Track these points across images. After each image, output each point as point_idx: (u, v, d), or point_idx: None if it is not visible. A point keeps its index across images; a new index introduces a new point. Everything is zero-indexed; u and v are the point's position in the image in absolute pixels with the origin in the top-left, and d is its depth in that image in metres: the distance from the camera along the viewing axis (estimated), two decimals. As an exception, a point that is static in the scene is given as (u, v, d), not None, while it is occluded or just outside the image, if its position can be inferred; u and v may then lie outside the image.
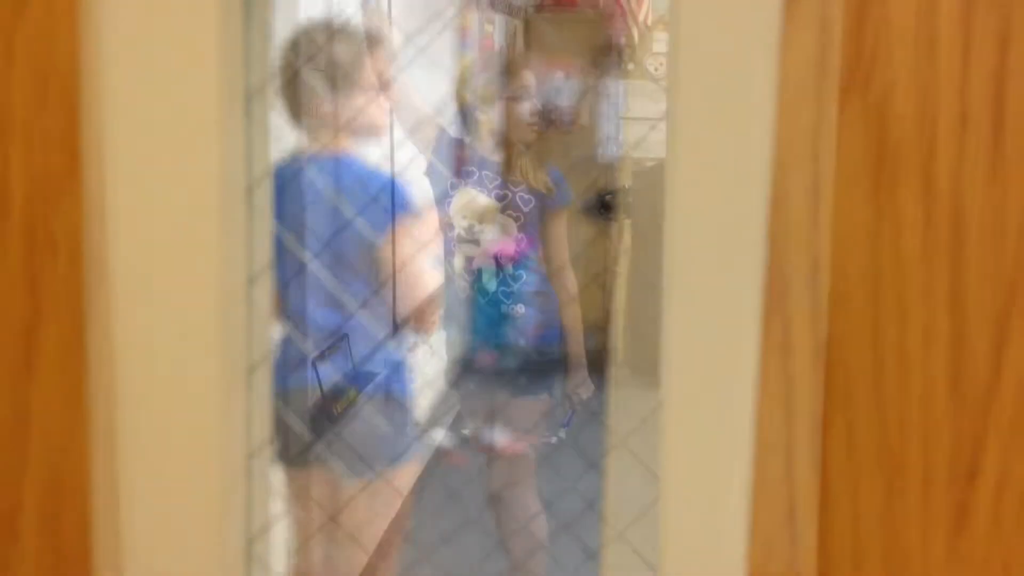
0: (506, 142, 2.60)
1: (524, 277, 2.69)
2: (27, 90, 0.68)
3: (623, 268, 5.64)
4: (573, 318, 2.82)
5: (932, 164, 0.63)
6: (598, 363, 5.56)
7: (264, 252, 0.74)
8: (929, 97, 0.62)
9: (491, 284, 2.73)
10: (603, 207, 5.69)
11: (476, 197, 2.63)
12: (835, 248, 0.63)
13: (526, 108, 2.60)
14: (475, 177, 2.62)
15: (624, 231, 5.62)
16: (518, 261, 2.65)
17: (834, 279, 0.63)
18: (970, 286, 0.63)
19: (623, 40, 6.00)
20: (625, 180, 5.54)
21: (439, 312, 2.66)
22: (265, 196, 0.74)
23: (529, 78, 2.67)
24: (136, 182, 0.68)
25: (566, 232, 2.74)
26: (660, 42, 6.32)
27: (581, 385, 2.75)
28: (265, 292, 0.76)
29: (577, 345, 2.76)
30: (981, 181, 0.62)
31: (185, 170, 0.67)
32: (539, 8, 6.18)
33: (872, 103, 0.62)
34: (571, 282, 2.77)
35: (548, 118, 6.29)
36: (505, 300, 2.68)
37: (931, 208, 0.63)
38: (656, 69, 6.42)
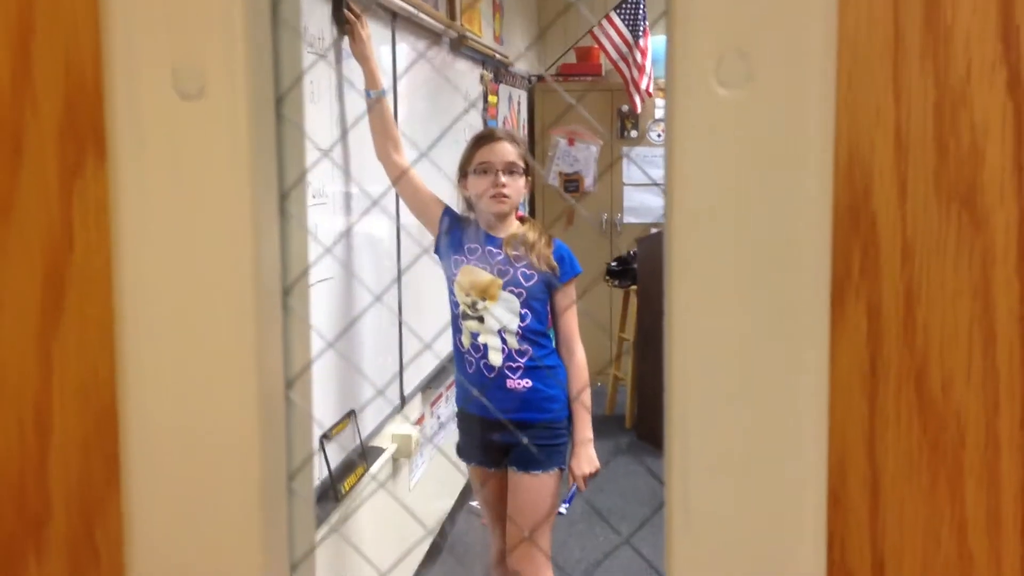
0: (499, 216, 2.59)
1: (531, 352, 2.66)
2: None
3: (629, 334, 5.64)
4: (584, 388, 2.78)
5: (996, 459, 0.63)
6: (609, 430, 5.55)
7: (304, 351, 0.73)
8: (989, 390, 0.63)
9: (497, 359, 2.71)
10: (609, 274, 5.72)
11: (478, 273, 2.65)
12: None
13: (488, 180, 2.57)
14: (478, 254, 2.61)
15: (632, 297, 5.64)
16: (522, 336, 2.66)
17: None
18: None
19: (626, 108, 6.08)
20: (631, 247, 5.57)
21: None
22: (304, 297, 0.73)
23: (503, 150, 2.60)
24: (165, 292, 0.69)
25: (574, 305, 2.71)
26: (662, 108, 6.39)
27: (585, 462, 2.70)
28: (306, 383, 0.75)
29: (582, 421, 2.70)
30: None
31: (220, 278, 0.66)
32: (542, 78, 6.26)
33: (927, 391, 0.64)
34: (580, 355, 2.71)
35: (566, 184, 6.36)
36: (511, 375, 2.69)
37: (994, 500, 0.64)
38: (659, 136, 6.49)
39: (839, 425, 0.65)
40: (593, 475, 2.67)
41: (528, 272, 2.61)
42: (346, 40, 2.55)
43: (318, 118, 2.38)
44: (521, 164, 2.62)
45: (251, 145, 0.66)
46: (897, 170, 0.64)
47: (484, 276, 2.63)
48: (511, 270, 2.61)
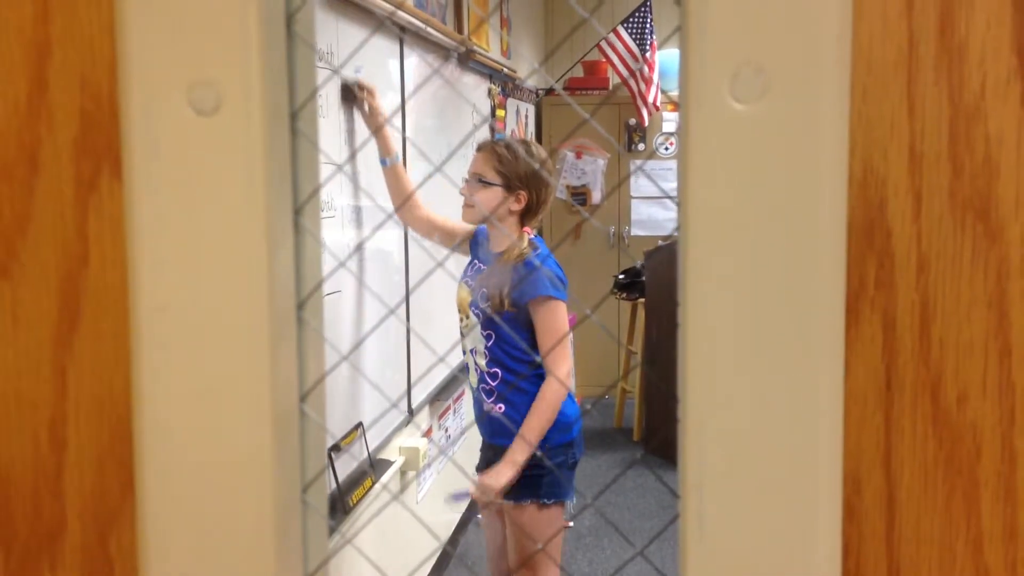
0: (472, 223, 2.54)
1: (501, 375, 2.50)
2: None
3: (637, 347, 5.64)
4: (536, 416, 2.43)
5: (1012, 472, 0.63)
6: (617, 443, 5.53)
7: (318, 364, 0.74)
8: (1004, 403, 0.63)
9: (474, 381, 2.60)
10: (617, 287, 5.72)
11: (464, 290, 2.60)
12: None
13: (466, 192, 2.51)
14: (475, 268, 2.62)
15: (639, 310, 5.64)
16: (491, 358, 2.52)
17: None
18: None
19: (633, 122, 6.09)
20: (638, 259, 5.57)
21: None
22: (318, 311, 0.73)
23: (474, 160, 2.55)
24: (179, 310, 0.69)
25: (549, 324, 2.42)
26: (670, 122, 6.42)
27: (493, 475, 2.41)
28: (320, 400, 0.75)
29: (520, 441, 2.42)
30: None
31: (234, 292, 0.67)
32: (550, 92, 6.27)
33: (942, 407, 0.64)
34: (549, 385, 2.43)
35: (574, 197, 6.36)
36: (486, 398, 2.56)
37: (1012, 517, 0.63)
38: (667, 149, 6.50)
39: (854, 437, 0.65)
40: (490, 492, 2.42)
41: (486, 292, 2.52)
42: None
43: (328, 131, 2.39)
44: (491, 174, 2.51)
45: (266, 160, 0.67)
46: (912, 183, 0.64)
47: (465, 293, 2.60)
48: (479, 289, 2.54)
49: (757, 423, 0.61)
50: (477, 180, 2.54)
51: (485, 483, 2.42)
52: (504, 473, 2.41)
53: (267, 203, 0.67)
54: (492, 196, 2.52)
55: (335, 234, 2.45)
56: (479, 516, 4.17)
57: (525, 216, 2.55)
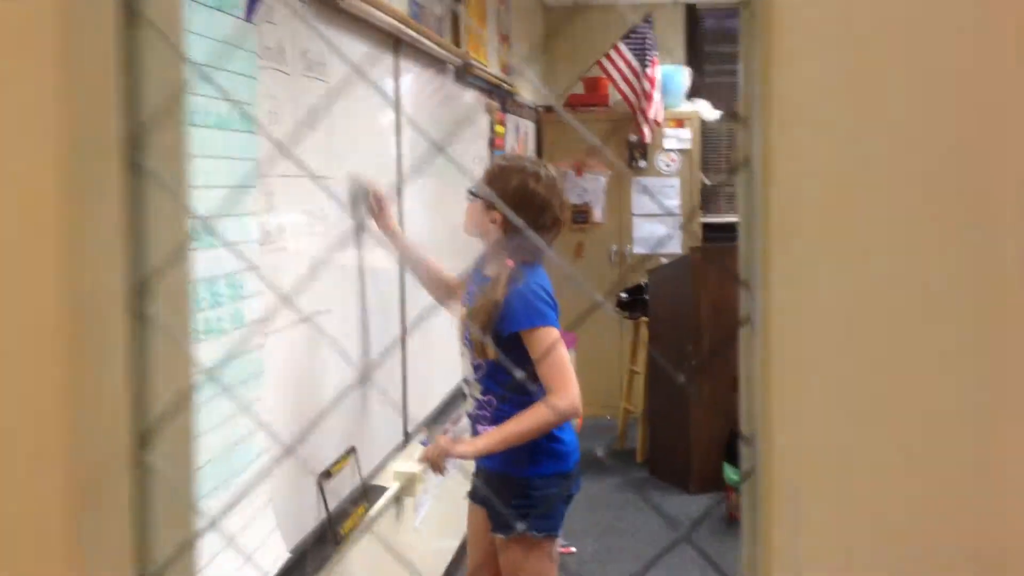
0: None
1: (494, 403, 2.39)
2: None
3: (640, 367, 5.53)
4: (516, 424, 2.29)
5: None
6: (620, 465, 5.40)
7: (179, 382, 0.56)
8: None
9: (469, 406, 2.51)
10: (620, 305, 5.62)
11: (463, 311, 2.51)
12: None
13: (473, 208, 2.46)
14: (470, 293, 2.52)
15: (643, 329, 5.53)
16: (485, 387, 2.41)
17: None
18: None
19: (634, 138, 6.00)
20: (641, 277, 5.47)
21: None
22: (181, 297, 0.56)
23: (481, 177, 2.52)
24: None
25: (540, 354, 2.30)
26: (671, 139, 6.34)
27: (448, 441, 2.35)
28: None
29: (495, 433, 2.31)
30: None
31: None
32: (550, 109, 6.20)
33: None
34: (539, 408, 2.29)
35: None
36: (480, 424, 2.45)
37: None
38: (668, 166, 6.41)
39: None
40: (439, 452, 2.33)
41: (468, 336, 2.45)
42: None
43: (317, 146, 2.30)
44: (474, 191, 2.48)
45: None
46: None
47: (463, 315, 2.51)
48: (464, 328, 2.47)
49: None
50: (468, 192, 2.50)
51: (440, 441, 2.36)
52: (460, 446, 2.37)
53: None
54: (474, 209, 2.47)
55: (310, 246, 2.35)
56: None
57: (519, 241, 2.41)
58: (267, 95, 2.01)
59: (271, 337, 2.02)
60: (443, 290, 2.69)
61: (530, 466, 2.38)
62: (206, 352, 1.74)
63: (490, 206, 2.41)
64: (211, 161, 1.75)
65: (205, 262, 1.75)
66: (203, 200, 1.71)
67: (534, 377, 2.35)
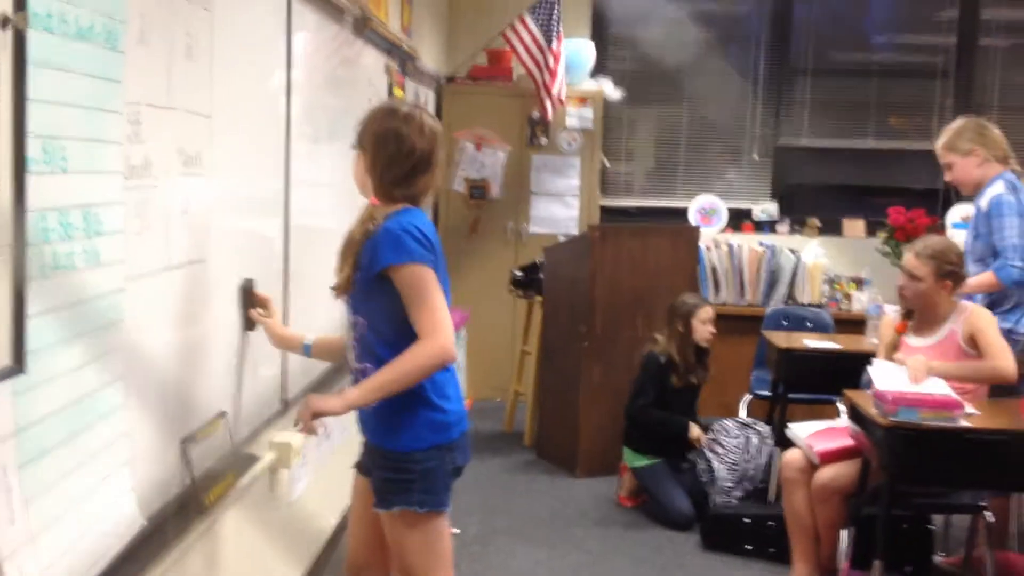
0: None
1: (369, 368, 2.22)
2: None
3: (532, 348, 5.41)
4: (393, 368, 2.14)
5: None
6: (508, 447, 5.28)
7: None
8: None
9: (350, 355, 2.35)
10: (514, 283, 5.49)
11: None
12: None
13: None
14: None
15: (536, 309, 5.41)
16: (361, 349, 2.26)
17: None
18: None
19: (536, 115, 5.87)
20: (537, 256, 5.34)
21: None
22: None
23: None
24: None
25: (409, 293, 2.13)
26: (572, 117, 6.23)
27: (317, 399, 2.20)
28: None
29: (365, 384, 2.17)
30: None
31: None
32: (451, 79, 6.02)
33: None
34: (414, 348, 2.12)
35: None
36: (357, 376, 2.28)
37: None
38: (569, 145, 6.31)
39: None
40: (307, 409, 2.17)
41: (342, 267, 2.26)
42: None
43: (197, 80, 2.10)
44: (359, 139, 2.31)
45: None
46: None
47: None
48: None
49: None
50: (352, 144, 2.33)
51: (310, 399, 2.21)
52: (330, 401, 2.21)
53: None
54: (357, 161, 2.31)
55: (201, 193, 2.15)
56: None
57: (389, 189, 2.25)
58: (139, 13, 1.80)
59: (136, 282, 1.82)
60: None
61: (409, 440, 2.21)
62: (52, 289, 1.54)
63: (363, 152, 2.27)
64: (62, 75, 1.54)
65: (55, 188, 1.54)
66: (48, 117, 1.50)
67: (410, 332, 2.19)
